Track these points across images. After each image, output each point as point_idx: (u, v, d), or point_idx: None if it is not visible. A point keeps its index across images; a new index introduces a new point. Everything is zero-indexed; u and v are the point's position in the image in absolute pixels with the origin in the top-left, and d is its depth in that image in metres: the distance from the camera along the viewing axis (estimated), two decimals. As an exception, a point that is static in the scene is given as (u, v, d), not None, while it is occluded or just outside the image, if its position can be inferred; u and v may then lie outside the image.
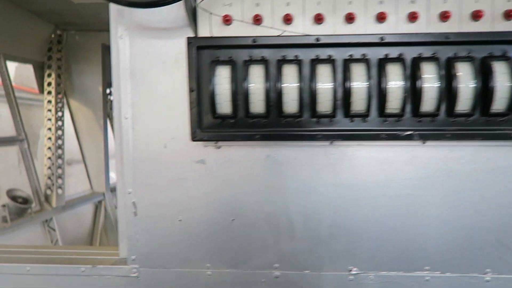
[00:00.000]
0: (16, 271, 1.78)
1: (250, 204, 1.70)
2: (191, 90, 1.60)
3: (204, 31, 1.62)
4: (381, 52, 1.55)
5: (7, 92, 4.88)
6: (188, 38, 1.58)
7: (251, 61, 1.57)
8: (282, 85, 1.54)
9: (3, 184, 5.14)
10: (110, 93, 7.20)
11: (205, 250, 1.73)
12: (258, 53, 1.58)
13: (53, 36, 5.63)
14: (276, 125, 1.61)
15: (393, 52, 1.55)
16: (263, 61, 1.57)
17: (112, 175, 6.75)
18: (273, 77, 1.57)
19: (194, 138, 1.63)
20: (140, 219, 1.74)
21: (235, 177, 1.69)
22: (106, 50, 5.96)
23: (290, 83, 1.55)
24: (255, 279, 1.72)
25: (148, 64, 1.68)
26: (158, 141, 1.70)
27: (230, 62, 1.58)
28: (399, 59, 1.53)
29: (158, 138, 1.70)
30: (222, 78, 1.56)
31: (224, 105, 1.57)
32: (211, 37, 1.59)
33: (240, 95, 1.58)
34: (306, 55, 1.56)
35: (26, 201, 4.98)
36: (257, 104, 1.56)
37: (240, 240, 1.71)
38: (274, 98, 1.57)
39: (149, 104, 1.70)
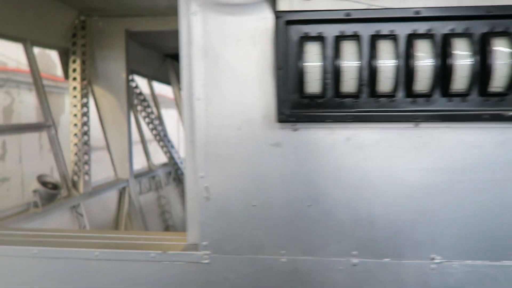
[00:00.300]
0: (84, 256, 1.74)
1: (328, 189, 1.62)
2: (278, 68, 1.52)
3: (283, 6, 1.53)
4: (484, 26, 1.45)
5: (34, 78, 4.84)
6: (276, 12, 1.50)
7: (343, 37, 1.48)
8: (377, 63, 1.45)
9: (26, 169, 5.16)
10: (132, 80, 7.18)
11: (279, 237, 1.66)
12: (349, 28, 1.49)
13: (77, 22, 5.58)
14: (366, 105, 1.53)
15: (498, 26, 1.44)
16: (356, 36, 1.48)
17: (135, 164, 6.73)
18: (366, 53, 1.48)
19: (281, 119, 1.56)
20: (212, 204, 1.68)
21: (312, 161, 1.62)
22: (129, 36, 5.90)
23: (386, 60, 1.45)
24: (332, 267, 1.66)
25: (222, 42, 1.60)
26: (232, 123, 1.64)
27: (320, 38, 1.49)
28: (507, 33, 1.43)
29: (232, 120, 1.63)
30: (313, 55, 1.47)
31: (314, 84, 1.49)
32: (298, 11, 1.50)
33: (329, 74, 1.49)
34: (402, 29, 1.47)
35: (55, 187, 5.00)
36: (349, 83, 1.48)
37: (316, 226, 1.65)
38: (367, 76, 1.48)
39: (223, 85, 1.62)
